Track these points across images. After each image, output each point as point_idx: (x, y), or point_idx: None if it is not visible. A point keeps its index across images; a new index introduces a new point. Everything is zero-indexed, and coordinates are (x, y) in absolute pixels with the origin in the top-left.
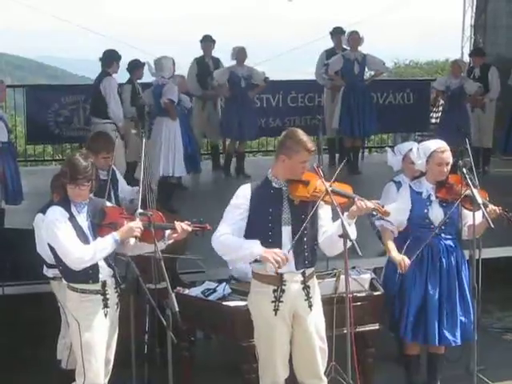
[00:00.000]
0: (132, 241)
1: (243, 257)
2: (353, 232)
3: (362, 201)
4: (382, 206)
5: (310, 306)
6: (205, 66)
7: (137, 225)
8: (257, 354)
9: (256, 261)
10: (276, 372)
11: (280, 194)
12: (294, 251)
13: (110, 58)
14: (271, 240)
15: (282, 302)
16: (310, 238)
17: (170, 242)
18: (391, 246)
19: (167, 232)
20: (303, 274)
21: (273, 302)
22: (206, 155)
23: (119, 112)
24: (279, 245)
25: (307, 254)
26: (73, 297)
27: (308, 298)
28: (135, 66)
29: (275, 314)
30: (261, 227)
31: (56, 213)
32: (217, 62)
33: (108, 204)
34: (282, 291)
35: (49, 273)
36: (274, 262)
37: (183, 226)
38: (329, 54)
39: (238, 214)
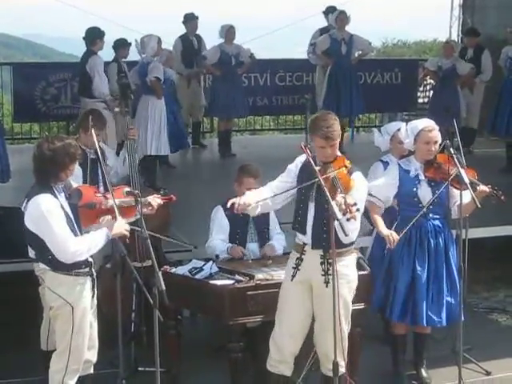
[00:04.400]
0: (107, 217)
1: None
2: (352, 226)
3: (342, 198)
4: (356, 209)
5: (327, 283)
6: (189, 43)
7: (127, 227)
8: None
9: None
10: (282, 340)
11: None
12: (312, 230)
13: (93, 36)
14: (300, 212)
15: (299, 270)
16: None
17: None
18: (379, 221)
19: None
20: (324, 250)
21: (293, 268)
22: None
23: (102, 87)
24: (305, 218)
25: (326, 235)
26: (66, 281)
27: (326, 273)
28: (120, 45)
29: (291, 279)
30: (296, 200)
31: (50, 202)
32: (200, 40)
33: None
34: (301, 260)
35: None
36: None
37: (158, 201)
38: (323, 32)
39: (286, 177)
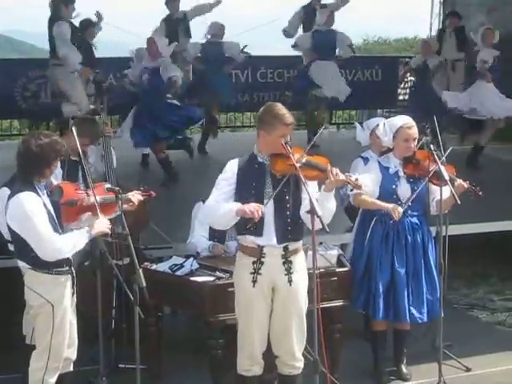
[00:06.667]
0: (85, 216)
1: (223, 214)
2: (332, 205)
3: (336, 174)
4: (356, 180)
5: (290, 282)
6: (173, 23)
7: (108, 225)
8: (237, 327)
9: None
10: (253, 344)
11: (263, 168)
12: (275, 225)
13: (57, 1)
14: None
15: (260, 274)
16: (293, 212)
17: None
18: (374, 200)
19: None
20: (285, 248)
21: (251, 273)
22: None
23: (73, 55)
24: (261, 218)
25: (290, 228)
26: (46, 280)
27: (289, 273)
28: (87, 25)
29: (253, 285)
30: (246, 201)
31: (33, 201)
32: (184, 17)
33: (54, 180)
34: (261, 263)
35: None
36: (248, 213)
37: (138, 197)
38: (307, 10)
39: (225, 187)
